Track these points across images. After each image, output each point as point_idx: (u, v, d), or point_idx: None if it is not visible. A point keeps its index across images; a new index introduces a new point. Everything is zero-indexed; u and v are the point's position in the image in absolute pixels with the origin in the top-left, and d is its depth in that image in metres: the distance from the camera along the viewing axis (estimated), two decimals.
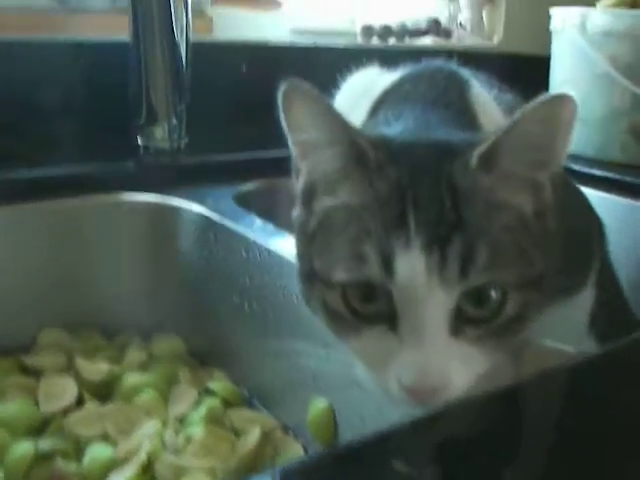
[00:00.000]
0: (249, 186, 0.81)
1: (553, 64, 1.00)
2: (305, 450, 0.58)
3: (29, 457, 0.51)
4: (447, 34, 1.28)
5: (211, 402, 0.61)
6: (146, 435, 0.53)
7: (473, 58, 1.23)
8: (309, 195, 0.39)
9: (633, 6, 0.91)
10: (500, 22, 1.31)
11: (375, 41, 1.25)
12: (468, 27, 1.31)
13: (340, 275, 0.35)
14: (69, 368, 0.66)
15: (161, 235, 0.73)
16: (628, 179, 0.87)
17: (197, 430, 0.56)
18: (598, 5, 0.95)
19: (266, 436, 0.58)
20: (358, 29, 1.27)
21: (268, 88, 0.41)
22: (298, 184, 0.41)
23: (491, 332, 0.35)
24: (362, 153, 0.36)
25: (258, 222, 0.67)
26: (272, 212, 0.81)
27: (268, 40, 1.04)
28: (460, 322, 0.34)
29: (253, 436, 0.55)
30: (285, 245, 0.60)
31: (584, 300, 0.65)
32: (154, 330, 0.74)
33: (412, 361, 0.33)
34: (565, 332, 0.65)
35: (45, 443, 0.52)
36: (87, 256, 0.73)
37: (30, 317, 0.70)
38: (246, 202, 0.76)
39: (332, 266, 0.36)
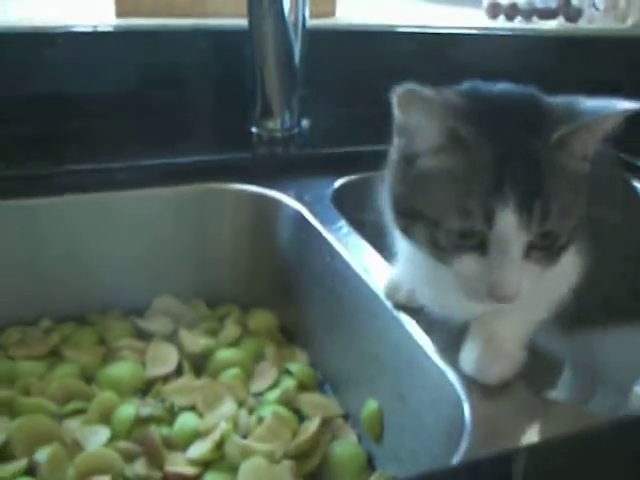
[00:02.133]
0: (351, 178, 0.87)
1: None
2: (359, 439, 0.67)
3: (131, 419, 0.63)
4: (576, 15, 1.25)
5: (287, 384, 0.71)
6: (224, 415, 0.63)
7: (600, 43, 1.21)
8: (410, 155, 0.49)
9: None
10: (637, 1, 1.26)
11: (502, 20, 1.25)
12: (602, 7, 1.27)
13: (452, 224, 0.45)
14: (175, 334, 0.78)
15: (262, 223, 0.82)
16: None
17: (268, 411, 0.66)
18: None
19: (327, 422, 0.67)
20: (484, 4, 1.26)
21: (390, 77, 0.47)
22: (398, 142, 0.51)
23: (548, 255, 0.47)
24: (457, 133, 0.45)
25: (346, 229, 0.74)
26: (367, 205, 0.88)
27: (393, 25, 1.07)
28: (531, 249, 0.46)
29: (313, 425, 0.64)
30: (364, 259, 0.68)
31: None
32: (251, 303, 0.85)
33: (500, 278, 0.45)
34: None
35: (145, 409, 0.64)
36: (197, 236, 0.83)
37: (147, 284, 0.83)
38: (347, 194, 0.84)
39: (442, 215, 0.46)
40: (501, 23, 1.24)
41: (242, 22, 0.86)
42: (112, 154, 0.82)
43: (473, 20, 1.25)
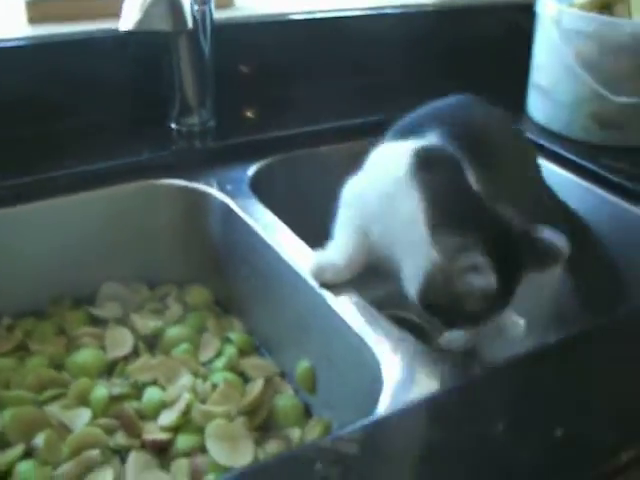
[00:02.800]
0: (262, 163, 0.99)
1: (535, 44, 1.13)
2: (296, 393, 0.81)
3: (106, 399, 0.75)
4: None
5: (229, 351, 0.85)
6: (185, 386, 0.76)
7: (473, 10, 1.35)
8: None
9: (602, 8, 1.03)
10: None
11: None
12: None
13: None
14: (126, 317, 0.89)
15: (191, 212, 0.93)
16: (586, 163, 1.03)
17: (219, 377, 0.79)
18: (576, 0, 1.06)
19: (268, 381, 0.82)
20: None
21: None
22: None
23: None
24: None
25: (263, 212, 0.86)
26: (282, 184, 1.01)
27: (286, 13, 1.16)
28: None
29: (257, 385, 0.78)
30: (281, 239, 0.81)
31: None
32: (187, 281, 0.97)
33: None
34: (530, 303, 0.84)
35: (116, 389, 0.76)
36: (135, 227, 0.94)
37: (95, 272, 0.93)
38: (261, 177, 0.96)
39: None
40: None
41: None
42: (49, 162, 0.90)
43: None
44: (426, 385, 0.61)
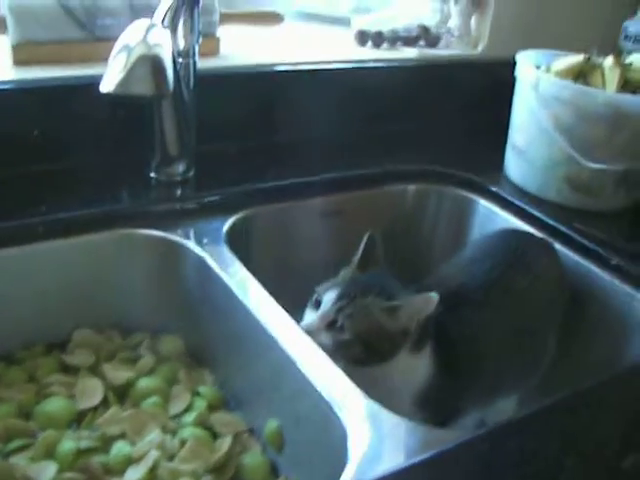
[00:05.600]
0: (239, 216, 1.00)
1: (514, 105, 1.16)
2: (263, 449, 0.82)
3: (73, 452, 0.74)
4: (435, 41, 1.42)
5: (200, 406, 0.85)
6: (153, 442, 0.76)
7: (455, 67, 1.38)
8: None
9: (578, 76, 1.06)
10: (486, 29, 1.44)
11: (369, 46, 1.39)
12: (456, 33, 1.44)
13: None
14: (97, 366, 0.89)
15: (167, 262, 0.94)
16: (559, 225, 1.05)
17: (188, 433, 0.79)
18: (553, 67, 1.10)
19: (237, 436, 0.82)
20: (352, 32, 1.41)
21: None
22: None
23: None
24: None
25: (239, 269, 0.86)
26: (258, 238, 1.02)
27: (272, 64, 1.18)
28: None
29: (226, 443, 0.78)
30: (254, 297, 0.82)
31: (399, 365, 0.80)
32: (161, 330, 0.97)
33: None
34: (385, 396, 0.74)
35: (84, 442, 0.76)
36: (113, 274, 0.94)
37: (68, 319, 0.93)
38: (237, 229, 0.97)
39: None
40: (369, 50, 1.39)
41: None
42: (27, 208, 0.90)
43: (344, 45, 1.39)
44: (394, 459, 0.61)
